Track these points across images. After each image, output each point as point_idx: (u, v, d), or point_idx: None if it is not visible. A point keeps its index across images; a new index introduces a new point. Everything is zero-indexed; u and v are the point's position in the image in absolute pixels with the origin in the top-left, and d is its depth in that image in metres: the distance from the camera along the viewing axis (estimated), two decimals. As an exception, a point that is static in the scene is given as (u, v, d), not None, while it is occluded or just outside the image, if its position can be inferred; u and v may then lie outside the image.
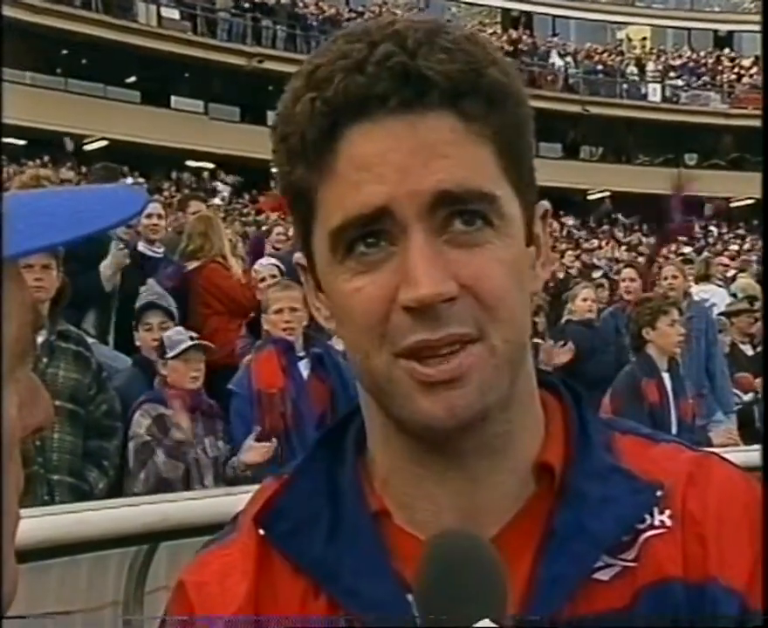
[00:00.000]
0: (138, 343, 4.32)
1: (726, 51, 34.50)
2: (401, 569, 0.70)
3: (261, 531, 0.74)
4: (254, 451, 3.82)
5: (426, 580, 0.61)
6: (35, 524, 2.35)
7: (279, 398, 3.94)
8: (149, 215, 5.53)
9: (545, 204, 0.75)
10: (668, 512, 0.72)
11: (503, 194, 0.68)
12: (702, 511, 0.71)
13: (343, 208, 0.67)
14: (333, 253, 0.68)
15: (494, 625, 0.58)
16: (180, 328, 4.16)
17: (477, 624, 0.57)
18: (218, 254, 5.20)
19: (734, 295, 8.11)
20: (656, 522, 0.71)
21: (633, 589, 0.69)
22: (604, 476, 0.72)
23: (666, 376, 4.71)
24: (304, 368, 4.05)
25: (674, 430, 4.51)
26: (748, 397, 6.07)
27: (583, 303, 6.13)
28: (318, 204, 0.69)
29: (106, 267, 4.85)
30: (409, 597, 0.68)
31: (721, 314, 6.84)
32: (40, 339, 3.58)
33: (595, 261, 15.59)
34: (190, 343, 3.98)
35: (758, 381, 6.08)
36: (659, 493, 0.72)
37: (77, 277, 4.25)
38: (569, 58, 32.43)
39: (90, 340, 4.16)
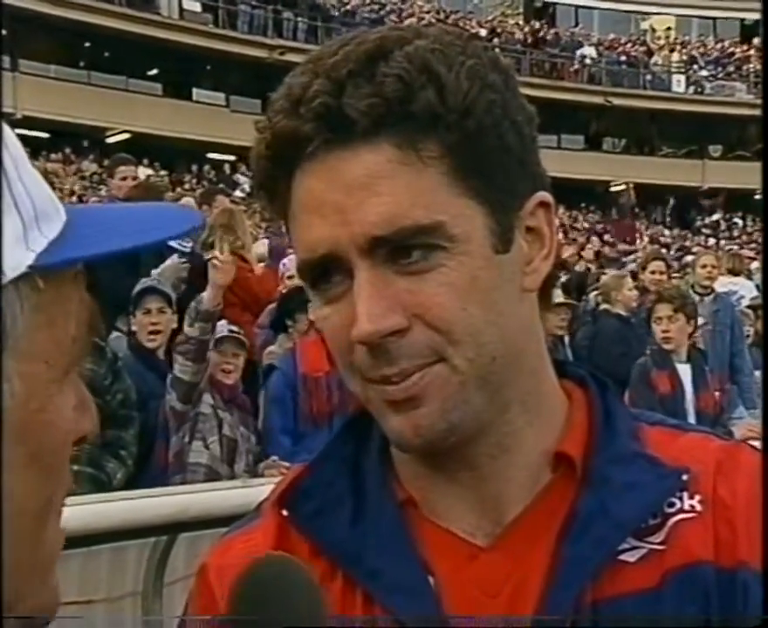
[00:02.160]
0: (134, 327, 4.28)
1: (753, 40, 34.09)
2: (425, 554, 0.72)
3: (284, 512, 0.75)
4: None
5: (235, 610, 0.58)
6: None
7: (325, 382, 3.95)
8: None
9: (542, 195, 0.72)
10: (698, 497, 0.72)
11: (451, 215, 0.67)
12: (732, 497, 0.71)
13: (300, 249, 0.70)
14: (305, 284, 0.72)
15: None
16: (223, 321, 4.13)
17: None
18: (238, 248, 5.21)
19: (758, 286, 8.02)
20: (686, 506, 0.71)
21: (661, 570, 0.69)
22: (628, 462, 0.73)
23: (683, 367, 4.65)
24: None
25: (691, 421, 4.47)
26: None
27: (629, 292, 5.98)
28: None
29: (161, 275, 4.82)
30: (431, 579, 0.70)
31: (747, 307, 6.77)
32: None
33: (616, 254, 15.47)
34: (225, 333, 3.96)
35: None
36: (684, 477, 0.72)
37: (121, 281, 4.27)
38: (592, 49, 32.17)
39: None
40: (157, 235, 0.56)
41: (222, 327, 4.03)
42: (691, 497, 0.72)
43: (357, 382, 0.71)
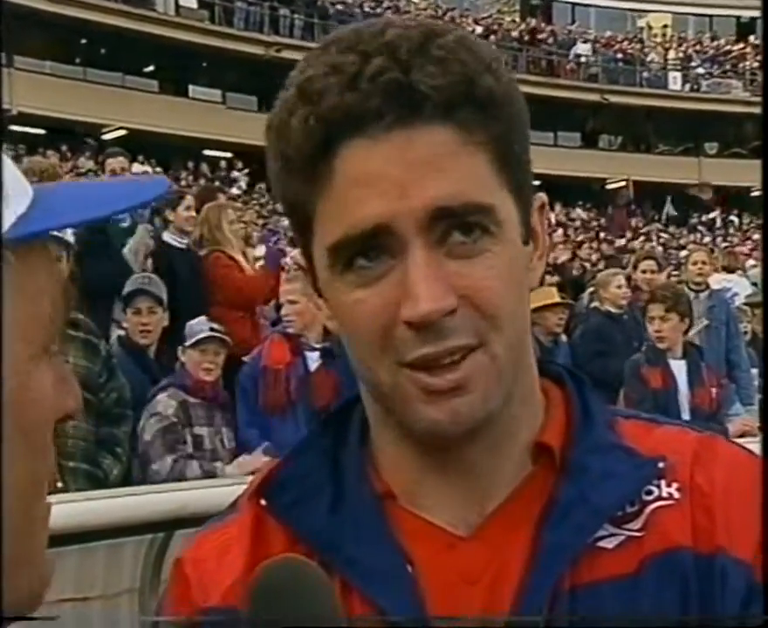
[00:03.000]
0: (125, 324, 4.34)
1: (749, 38, 34.11)
2: (403, 543, 0.72)
3: (262, 502, 0.75)
4: (261, 463, 3.74)
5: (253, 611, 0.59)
6: (54, 511, 2.35)
7: (284, 374, 4.06)
8: (188, 208, 5.53)
9: (541, 196, 0.76)
10: (675, 484, 0.73)
11: (499, 201, 0.69)
12: (709, 485, 0.73)
13: (342, 225, 0.68)
14: (332, 267, 0.69)
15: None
16: (203, 318, 4.18)
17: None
18: (224, 245, 5.25)
19: (754, 284, 8.04)
20: (664, 494, 0.73)
21: (639, 556, 0.70)
22: (605, 452, 0.74)
23: (678, 364, 4.68)
24: (315, 359, 4.13)
25: (686, 417, 4.50)
26: None
27: (617, 290, 6.01)
28: (317, 218, 0.70)
29: (130, 250, 4.86)
30: (409, 567, 0.71)
31: (744, 304, 6.78)
32: None
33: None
34: (207, 333, 3.99)
35: None
36: (661, 464, 0.73)
37: (101, 266, 4.28)
38: (589, 46, 32.17)
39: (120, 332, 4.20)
40: (124, 204, 0.56)
41: (204, 326, 4.06)
42: (669, 485, 0.73)
43: (386, 368, 0.69)
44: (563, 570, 0.70)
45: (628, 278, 6.48)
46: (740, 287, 7.37)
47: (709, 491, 0.72)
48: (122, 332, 4.37)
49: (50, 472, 0.55)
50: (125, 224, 5.24)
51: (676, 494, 0.72)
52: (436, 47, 0.67)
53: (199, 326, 4.05)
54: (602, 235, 20.88)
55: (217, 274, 5.15)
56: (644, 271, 6.40)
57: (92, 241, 4.63)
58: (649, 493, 0.72)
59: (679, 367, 4.71)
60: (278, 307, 4.90)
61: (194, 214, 5.51)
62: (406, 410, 0.70)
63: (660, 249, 16.44)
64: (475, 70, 0.67)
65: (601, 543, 0.71)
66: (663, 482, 0.73)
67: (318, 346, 4.13)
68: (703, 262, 6.15)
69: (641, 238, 21.53)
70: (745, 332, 6.44)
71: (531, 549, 0.71)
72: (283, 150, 0.69)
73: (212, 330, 4.04)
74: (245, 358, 4.28)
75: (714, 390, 4.72)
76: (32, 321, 0.52)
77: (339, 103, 0.66)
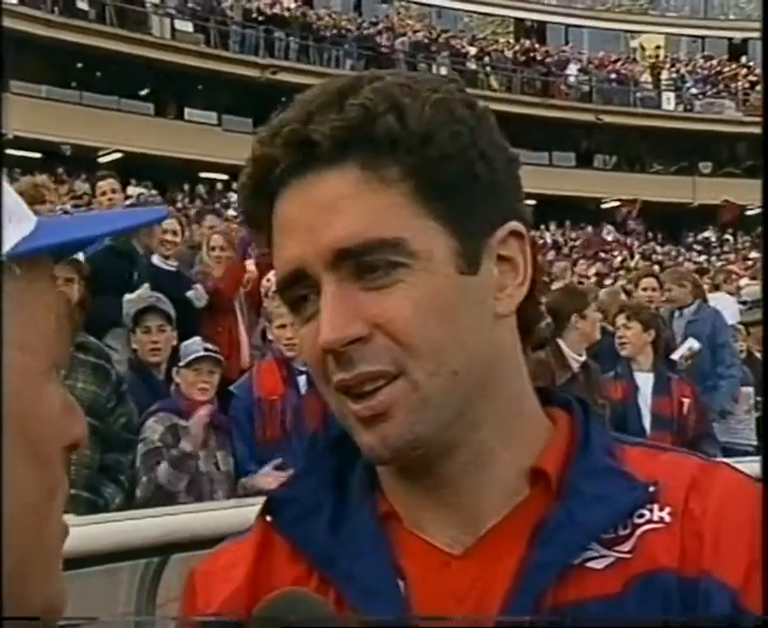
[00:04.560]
0: (134, 345, 4.31)
1: (741, 59, 34.38)
2: (399, 561, 0.75)
3: (268, 518, 0.79)
4: (271, 479, 3.74)
5: None
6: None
7: (280, 406, 3.97)
8: (165, 231, 5.54)
9: (513, 225, 0.75)
10: (668, 509, 0.73)
11: (412, 233, 0.71)
12: (702, 511, 0.73)
13: (276, 272, 0.75)
14: (287, 306, 0.76)
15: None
16: (197, 338, 4.18)
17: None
18: (207, 268, 5.34)
19: (743, 302, 8.05)
20: (655, 518, 0.73)
21: (625, 577, 0.71)
22: (599, 476, 0.75)
23: (646, 376, 4.76)
24: (303, 383, 4.06)
25: (647, 426, 4.64)
26: None
27: (592, 313, 6.04)
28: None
29: (131, 301, 4.83)
30: (401, 582, 0.73)
31: (739, 323, 6.78)
32: None
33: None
34: (201, 353, 3.98)
35: (744, 390, 6.06)
36: (651, 488, 0.74)
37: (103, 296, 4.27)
38: (582, 67, 32.40)
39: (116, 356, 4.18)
40: (124, 224, 0.60)
41: (198, 346, 4.05)
42: (661, 509, 0.74)
43: (331, 395, 0.74)
44: (547, 587, 0.71)
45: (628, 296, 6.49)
46: (723, 305, 7.36)
47: (700, 516, 0.72)
48: (117, 355, 4.34)
49: (63, 492, 0.55)
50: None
51: (667, 518, 0.73)
52: (351, 96, 0.71)
53: (194, 346, 4.05)
54: (601, 254, 20.94)
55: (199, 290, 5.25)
56: (645, 289, 6.36)
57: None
58: (641, 516, 0.73)
59: (646, 380, 4.78)
60: (263, 333, 4.89)
61: (171, 238, 5.46)
62: (353, 435, 0.74)
63: (656, 267, 16.48)
64: (377, 112, 0.70)
65: (590, 564, 0.72)
66: (656, 506, 0.73)
67: (304, 369, 4.10)
68: (653, 289, 6.20)
69: (637, 257, 21.57)
70: (741, 351, 6.45)
71: (518, 568, 0.72)
72: (239, 202, 0.77)
73: (206, 349, 4.03)
74: (233, 388, 4.17)
75: (687, 401, 4.72)
76: (39, 336, 0.53)
77: (260, 155, 0.73)
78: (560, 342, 4.37)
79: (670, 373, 4.88)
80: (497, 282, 0.74)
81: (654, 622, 0.70)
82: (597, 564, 0.72)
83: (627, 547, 0.72)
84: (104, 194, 5.90)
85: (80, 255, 3.88)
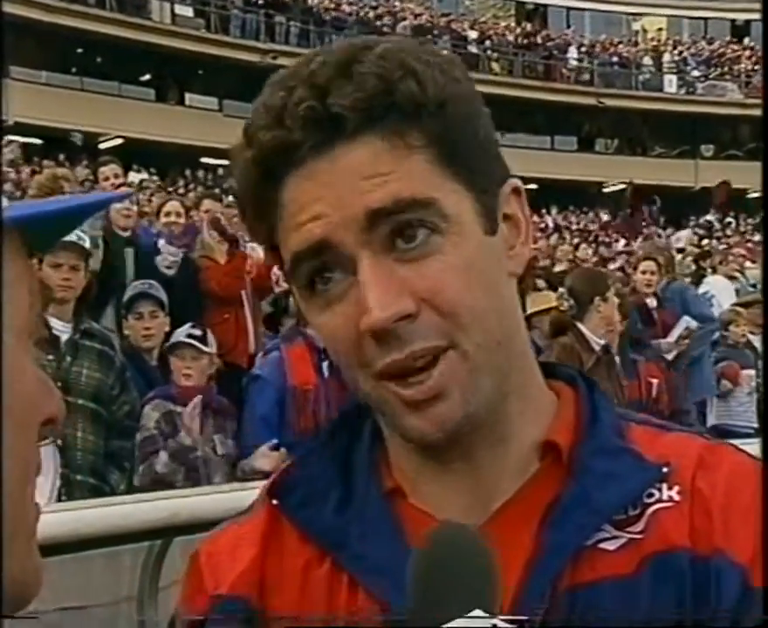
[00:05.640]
0: (126, 331, 4.31)
1: (743, 41, 34.19)
2: (409, 539, 0.73)
3: (274, 502, 0.77)
4: (269, 459, 3.71)
5: (417, 573, 0.61)
6: (50, 520, 2.35)
7: (313, 395, 3.83)
8: (168, 213, 5.54)
9: (514, 181, 0.75)
10: (676, 488, 0.73)
11: (443, 195, 0.69)
12: (711, 489, 0.73)
13: (290, 249, 0.71)
14: (299, 289, 0.72)
15: (486, 615, 0.58)
16: (187, 325, 4.15)
17: (470, 615, 0.58)
18: (208, 250, 5.31)
19: (753, 285, 8.06)
20: (665, 497, 0.73)
21: (638, 558, 0.71)
22: (611, 454, 0.75)
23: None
24: (326, 368, 3.90)
25: None
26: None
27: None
28: (278, 244, 0.73)
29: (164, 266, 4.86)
30: None
31: (734, 305, 6.79)
32: (65, 337, 3.62)
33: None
34: (180, 339, 3.98)
35: (745, 372, 6.06)
36: (665, 469, 0.74)
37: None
38: (584, 50, 32.23)
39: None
40: (93, 199, 0.60)
41: (182, 333, 4.03)
42: (670, 488, 0.73)
43: (368, 382, 0.71)
44: (562, 569, 0.70)
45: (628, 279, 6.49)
46: (717, 289, 7.34)
47: (709, 495, 0.73)
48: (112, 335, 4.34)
49: (37, 468, 0.55)
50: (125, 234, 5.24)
51: (677, 497, 0.73)
52: (356, 66, 0.69)
53: (181, 332, 4.05)
54: (600, 238, 20.88)
55: (201, 276, 5.21)
56: (644, 272, 6.29)
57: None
58: (650, 495, 0.73)
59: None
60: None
61: (175, 219, 5.51)
62: (394, 421, 0.72)
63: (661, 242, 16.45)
64: (392, 78, 0.68)
65: (603, 545, 0.71)
66: (665, 485, 0.73)
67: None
68: (652, 272, 6.13)
69: (639, 240, 21.52)
70: (743, 335, 6.44)
71: (531, 549, 0.71)
72: (236, 191, 0.74)
73: (189, 336, 4.00)
74: (258, 371, 3.92)
75: (655, 381, 4.69)
76: (15, 312, 0.53)
77: (267, 142, 0.69)
78: (581, 326, 4.35)
79: (636, 356, 4.84)
80: (506, 240, 0.74)
81: (668, 622, 0.69)
82: (610, 545, 0.71)
83: (638, 527, 0.72)
84: (107, 179, 5.91)
85: (87, 243, 3.89)
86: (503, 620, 0.67)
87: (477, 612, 0.58)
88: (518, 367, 0.74)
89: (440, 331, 0.69)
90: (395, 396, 0.70)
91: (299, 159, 0.69)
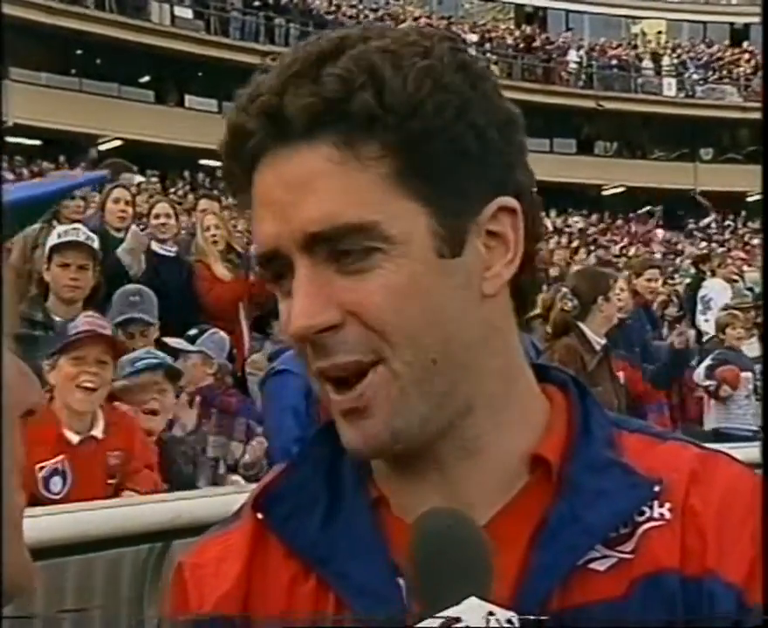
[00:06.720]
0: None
1: (743, 44, 34.21)
2: (394, 555, 0.71)
3: (259, 515, 0.76)
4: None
5: (412, 560, 0.61)
6: (51, 522, 2.36)
7: None
8: (157, 215, 5.53)
9: (504, 200, 0.71)
10: (668, 505, 0.71)
11: (388, 216, 0.67)
12: (703, 505, 0.71)
13: (255, 244, 0.72)
14: (266, 279, 0.73)
15: (482, 602, 0.58)
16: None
17: (465, 602, 0.57)
18: (201, 254, 5.30)
19: (750, 289, 8.07)
20: (656, 515, 0.71)
21: (629, 579, 0.69)
22: (601, 470, 0.72)
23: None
24: None
25: None
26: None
27: (620, 292, 6.01)
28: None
29: (124, 251, 4.82)
30: (401, 581, 0.69)
31: (726, 307, 6.82)
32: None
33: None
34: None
35: (743, 375, 6.05)
36: (656, 488, 0.71)
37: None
38: (583, 53, 32.25)
39: None
40: (61, 184, 0.61)
41: (79, 323, 3.47)
42: (661, 506, 0.71)
43: (314, 380, 0.71)
44: (551, 591, 0.69)
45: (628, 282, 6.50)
46: (716, 292, 7.36)
47: (702, 512, 0.71)
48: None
49: (21, 465, 0.55)
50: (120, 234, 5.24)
51: (668, 515, 0.71)
52: (329, 65, 0.67)
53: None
54: (600, 240, 20.88)
55: (196, 285, 5.18)
56: (648, 280, 6.52)
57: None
58: (641, 513, 0.71)
59: None
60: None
61: (164, 221, 5.47)
62: (337, 425, 0.72)
63: (658, 255, 16.45)
64: (355, 86, 0.66)
65: (593, 565, 0.70)
66: (656, 503, 0.72)
67: None
68: (656, 280, 6.25)
69: (638, 244, 21.50)
70: (739, 338, 6.45)
71: (520, 568, 0.70)
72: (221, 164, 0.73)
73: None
74: (281, 365, 3.73)
75: (620, 375, 4.65)
76: None
77: (233, 123, 0.70)
78: (582, 326, 4.33)
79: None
80: (484, 260, 0.70)
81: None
82: (599, 565, 0.70)
83: (629, 547, 0.70)
84: (117, 201, 5.89)
85: (95, 243, 3.90)
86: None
87: (473, 600, 0.57)
88: (492, 379, 0.72)
89: (366, 346, 0.68)
90: (331, 400, 0.71)
91: (257, 149, 0.69)
